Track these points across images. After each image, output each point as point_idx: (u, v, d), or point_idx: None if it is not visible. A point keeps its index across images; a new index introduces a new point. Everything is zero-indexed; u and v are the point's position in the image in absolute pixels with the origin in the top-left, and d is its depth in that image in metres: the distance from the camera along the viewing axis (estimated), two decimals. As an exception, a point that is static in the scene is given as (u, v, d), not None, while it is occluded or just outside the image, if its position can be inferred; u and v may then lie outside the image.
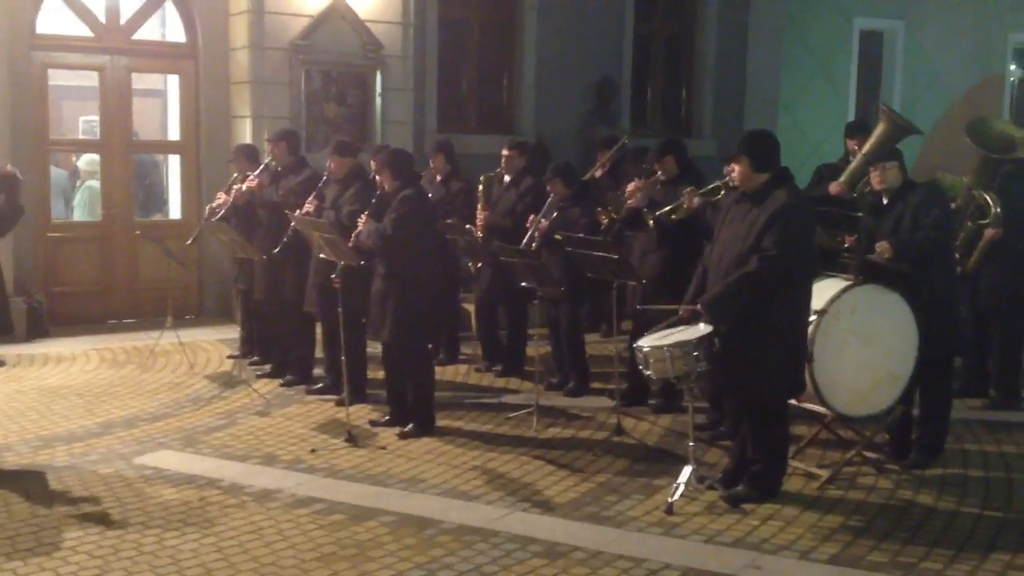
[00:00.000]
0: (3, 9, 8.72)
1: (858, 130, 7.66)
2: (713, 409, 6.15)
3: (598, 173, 8.28)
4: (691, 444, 5.20)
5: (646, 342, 5.12)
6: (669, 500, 5.00)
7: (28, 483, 5.30)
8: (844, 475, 5.45)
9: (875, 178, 5.66)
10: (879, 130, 6.76)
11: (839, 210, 6.38)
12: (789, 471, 5.32)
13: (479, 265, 7.62)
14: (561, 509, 5.05)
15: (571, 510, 5.03)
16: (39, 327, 8.80)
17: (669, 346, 4.96)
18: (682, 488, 5.03)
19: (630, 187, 6.46)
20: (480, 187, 7.73)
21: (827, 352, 5.16)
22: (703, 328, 4.96)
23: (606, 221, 6.74)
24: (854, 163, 6.92)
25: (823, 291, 5.25)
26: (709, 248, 5.26)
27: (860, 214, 6.20)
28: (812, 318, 5.10)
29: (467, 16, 11.31)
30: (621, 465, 5.70)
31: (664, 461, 5.71)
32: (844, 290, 5.28)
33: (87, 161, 10.31)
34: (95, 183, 10.15)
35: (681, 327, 5.10)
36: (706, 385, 5.23)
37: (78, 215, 10.16)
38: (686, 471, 5.08)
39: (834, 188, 6.82)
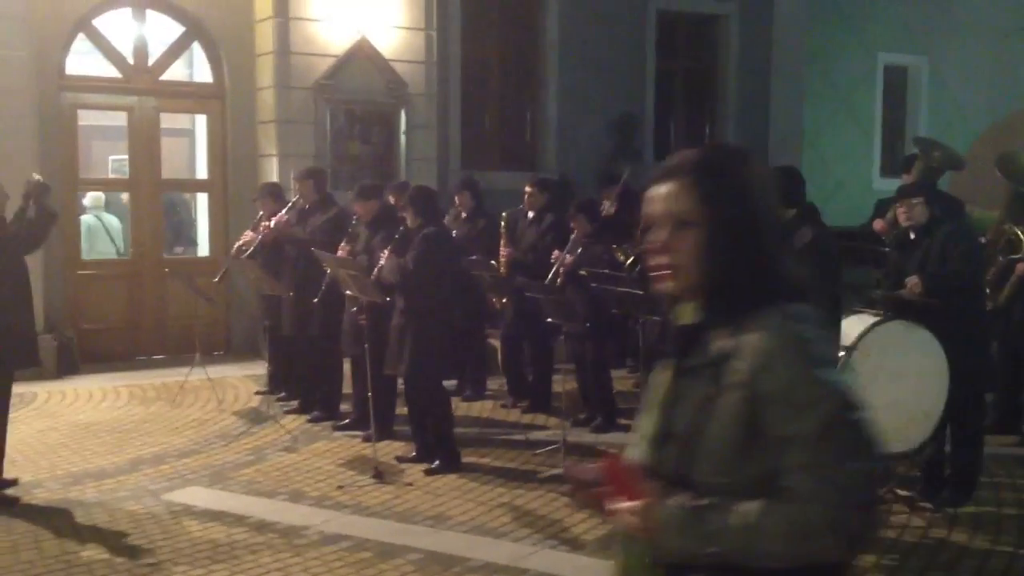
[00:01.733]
0: (33, 51, 8.91)
1: (912, 164, 7.59)
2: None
3: (612, 211, 8.25)
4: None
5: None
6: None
7: (58, 520, 5.34)
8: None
9: (901, 214, 5.64)
10: (918, 166, 6.75)
11: (865, 244, 6.36)
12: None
13: (504, 301, 7.64)
14: (589, 547, 5.02)
15: (599, 548, 4.99)
16: (70, 363, 8.89)
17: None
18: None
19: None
20: (503, 224, 7.78)
21: (856, 389, 5.10)
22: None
23: (623, 259, 6.75)
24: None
25: (851, 327, 5.22)
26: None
27: (887, 249, 6.18)
28: (840, 354, 5.07)
29: (489, 54, 11.45)
30: (649, 502, 5.66)
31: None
32: (873, 326, 5.26)
33: (92, 197, 10.48)
34: (95, 217, 10.29)
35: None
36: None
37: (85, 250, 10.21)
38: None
39: (878, 225, 6.77)
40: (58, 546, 4.97)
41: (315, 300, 6.92)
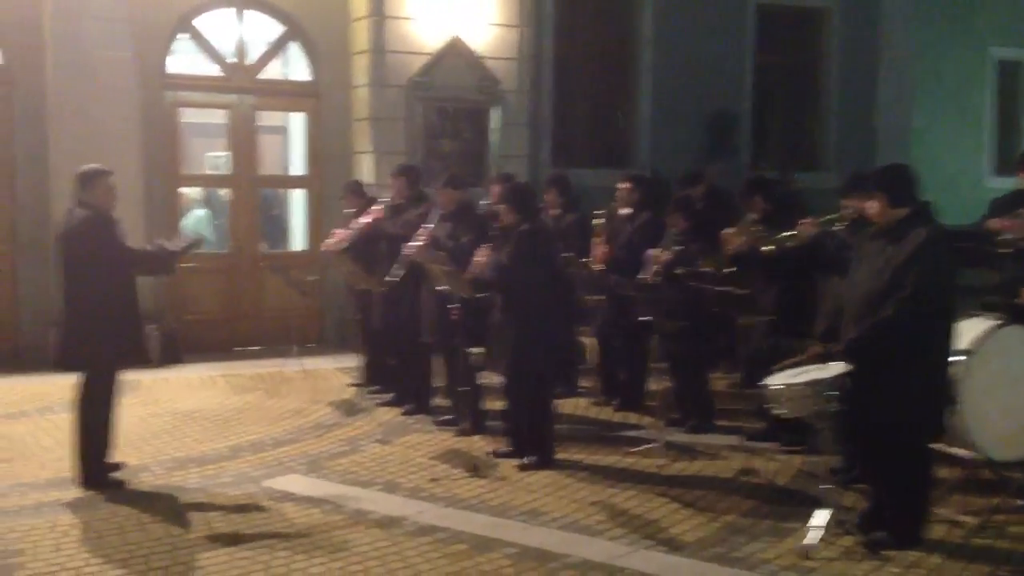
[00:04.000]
0: (136, 52, 9.16)
1: None
2: (847, 450, 5.94)
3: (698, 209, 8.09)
4: (826, 486, 5.02)
5: (777, 380, 4.98)
6: (804, 543, 4.83)
7: (162, 503, 5.47)
8: (991, 523, 5.18)
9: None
10: None
11: (978, 244, 6.11)
12: (932, 518, 5.08)
13: (597, 299, 7.57)
14: (687, 548, 4.92)
15: (698, 550, 4.90)
16: (173, 353, 9.12)
17: (802, 384, 4.82)
18: (818, 531, 4.85)
19: (726, 233, 6.34)
20: (598, 221, 7.71)
21: (974, 394, 4.94)
22: (837, 367, 4.81)
23: (712, 269, 6.61)
24: None
25: (969, 331, 5.03)
26: (843, 284, 5.10)
27: (1002, 250, 5.93)
28: (958, 358, 4.88)
29: (583, 50, 11.38)
30: (749, 505, 5.54)
31: (795, 503, 5.51)
32: (992, 330, 5.05)
33: (190, 193, 10.75)
34: (201, 212, 10.57)
35: (813, 365, 4.96)
36: (840, 425, 5.05)
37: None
38: (821, 514, 4.90)
39: (995, 224, 6.48)
40: (163, 529, 5.08)
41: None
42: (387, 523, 5.20)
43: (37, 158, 8.89)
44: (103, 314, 5.54)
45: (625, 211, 7.65)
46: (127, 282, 5.70)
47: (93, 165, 5.79)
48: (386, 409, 7.57)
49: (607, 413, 7.62)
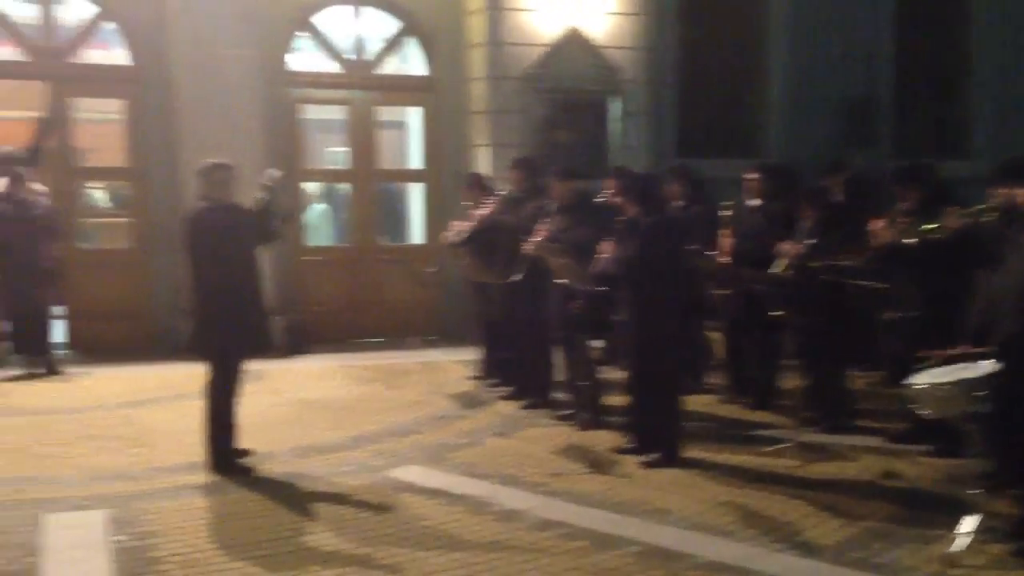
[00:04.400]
0: (259, 51, 9.35)
1: None
2: (998, 453, 5.57)
3: (840, 200, 7.75)
4: (975, 491, 4.70)
5: (922, 379, 4.69)
6: (950, 551, 4.53)
7: (288, 490, 5.53)
8: None
9: None
10: None
11: None
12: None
13: (724, 293, 7.33)
14: (824, 552, 4.67)
15: (836, 554, 4.65)
16: (298, 344, 9.29)
17: (950, 384, 4.53)
18: (965, 538, 4.54)
19: (874, 226, 6.00)
20: (726, 213, 7.46)
21: None
22: (987, 365, 4.49)
23: (849, 263, 6.28)
24: None
25: None
26: (995, 277, 4.77)
27: None
28: None
29: (707, 36, 11.08)
30: (890, 509, 5.23)
31: (940, 508, 5.18)
32: None
33: (310, 187, 10.93)
34: (320, 206, 10.71)
35: (961, 364, 4.65)
36: (990, 427, 4.72)
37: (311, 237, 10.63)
38: (969, 520, 4.59)
39: None
40: (288, 516, 5.12)
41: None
42: (507, 516, 5.12)
43: (167, 153, 9.14)
44: (227, 305, 5.63)
45: (754, 202, 7.38)
46: (249, 273, 5.77)
47: (213, 160, 5.90)
48: (506, 402, 7.50)
49: (736, 411, 7.35)
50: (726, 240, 7.22)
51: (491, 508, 5.25)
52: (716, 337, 7.99)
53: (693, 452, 6.18)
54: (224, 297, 5.63)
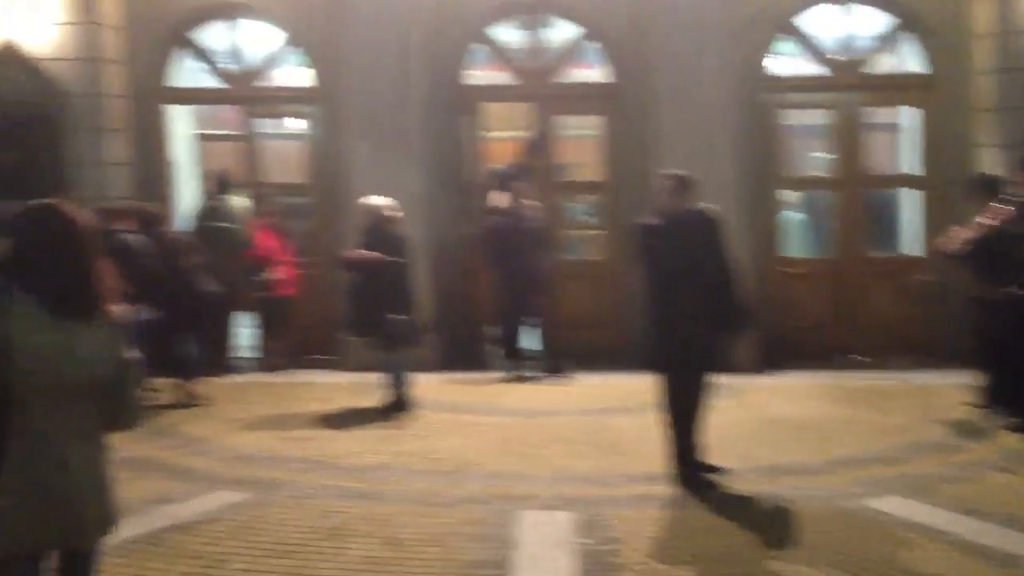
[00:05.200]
0: (738, 57, 9.20)
1: None
2: None
3: None
4: None
5: None
6: None
7: (749, 510, 5.31)
8: None
9: None
10: None
11: None
12: None
13: None
14: None
15: None
16: (772, 359, 8.98)
17: None
18: None
19: None
20: None
21: None
22: None
23: None
24: None
25: None
26: None
27: None
28: None
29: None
30: None
31: None
32: None
33: (789, 195, 10.47)
34: (795, 215, 10.29)
35: None
36: None
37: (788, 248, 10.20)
38: None
39: None
40: (751, 536, 4.89)
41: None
42: (1007, 562, 4.44)
43: (641, 165, 9.25)
44: (674, 316, 5.58)
45: None
46: (668, 286, 5.58)
47: (670, 169, 5.89)
48: (1012, 434, 6.52)
49: None
50: None
51: (987, 551, 4.57)
52: None
53: None
54: (670, 308, 5.56)
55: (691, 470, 5.68)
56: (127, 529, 4.94)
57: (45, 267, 2.85)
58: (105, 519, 3.01)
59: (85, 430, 2.92)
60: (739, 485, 5.70)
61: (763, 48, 9.63)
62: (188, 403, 7.79)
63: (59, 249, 2.87)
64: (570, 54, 9.93)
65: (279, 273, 8.98)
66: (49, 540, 2.88)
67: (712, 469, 5.75)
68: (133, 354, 3.03)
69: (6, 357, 2.74)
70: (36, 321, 2.80)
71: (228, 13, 9.77)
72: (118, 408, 2.99)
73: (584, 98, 10.11)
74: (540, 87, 9.81)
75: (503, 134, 10.69)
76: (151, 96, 9.67)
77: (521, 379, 8.81)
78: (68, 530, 2.90)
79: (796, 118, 10.54)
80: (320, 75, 9.68)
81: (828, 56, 9.70)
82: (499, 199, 9.07)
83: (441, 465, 6.20)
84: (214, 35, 9.98)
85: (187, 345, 7.94)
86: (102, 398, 2.93)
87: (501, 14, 9.83)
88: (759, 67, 9.61)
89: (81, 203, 7.64)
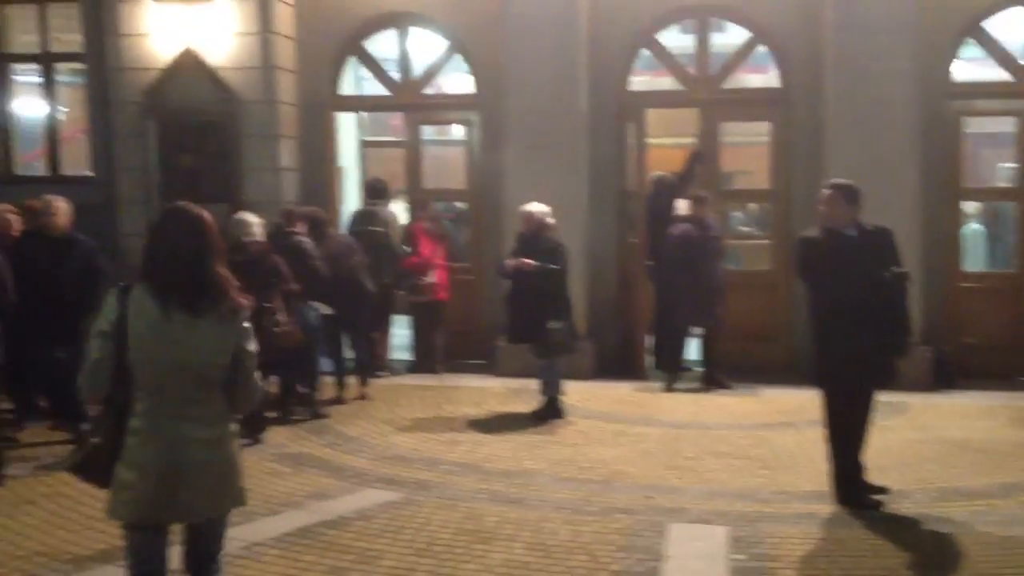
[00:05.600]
0: (918, 62, 8.68)
1: None
2: None
3: None
4: None
5: None
6: None
7: (915, 533, 5.02)
8: None
9: None
10: None
11: None
12: None
13: None
14: None
15: None
16: (946, 378, 8.48)
17: None
18: None
19: None
20: None
21: None
22: None
23: None
24: None
25: None
26: None
27: None
28: None
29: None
30: None
31: None
32: None
33: (973, 207, 9.96)
34: (977, 227, 9.66)
35: None
36: None
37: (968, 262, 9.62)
38: None
39: None
40: (919, 560, 4.62)
41: None
42: None
43: (811, 173, 8.90)
44: (823, 332, 5.40)
45: None
46: (832, 300, 5.29)
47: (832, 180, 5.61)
48: None
49: None
50: None
51: None
52: None
53: None
54: (836, 323, 5.29)
55: (853, 489, 5.40)
56: (283, 522, 5.19)
57: (162, 262, 3.13)
58: (224, 497, 3.20)
59: (205, 412, 3.15)
60: (905, 507, 5.40)
61: (946, 52, 9.06)
62: (347, 400, 8.03)
63: (176, 247, 3.12)
64: (738, 58, 9.66)
65: (434, 278, 9.12)
66: (166, 514, 3.11)
67: (876, 489, 5.47)
68: (252, 346, 3.26)
69: (122, 340, 3.03)
70: (146, 310, 3.07)
71: (396, 22, 10.00)
72: (235, 394, 3.21)
73: (751, 104, 9.85)
74: (707, 92, 9.58)
75: (666, 141, 10.52)
76: (321, 104, 10.01)
77: (678, 390, 8.62)
78: (184, 505, 3.11)
79: (980, 126, 9.89)
80: (480, 82, 9.78)
81: (1017, 61, 9.04)
82: (684, 207, 8.93)
83: (591, 473, 6.12)
84: (383, 44, 10.25)
85: (357, 344, 8.27)
86: (225, 384, 3.17)
87: (668, 19, 9.67)
88: (942, 72, 9.04)
89: (252, 207, 8.09)
